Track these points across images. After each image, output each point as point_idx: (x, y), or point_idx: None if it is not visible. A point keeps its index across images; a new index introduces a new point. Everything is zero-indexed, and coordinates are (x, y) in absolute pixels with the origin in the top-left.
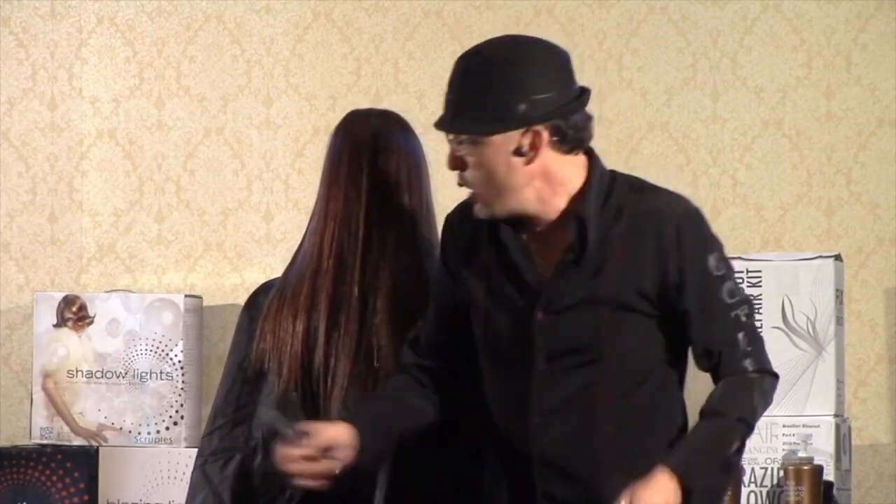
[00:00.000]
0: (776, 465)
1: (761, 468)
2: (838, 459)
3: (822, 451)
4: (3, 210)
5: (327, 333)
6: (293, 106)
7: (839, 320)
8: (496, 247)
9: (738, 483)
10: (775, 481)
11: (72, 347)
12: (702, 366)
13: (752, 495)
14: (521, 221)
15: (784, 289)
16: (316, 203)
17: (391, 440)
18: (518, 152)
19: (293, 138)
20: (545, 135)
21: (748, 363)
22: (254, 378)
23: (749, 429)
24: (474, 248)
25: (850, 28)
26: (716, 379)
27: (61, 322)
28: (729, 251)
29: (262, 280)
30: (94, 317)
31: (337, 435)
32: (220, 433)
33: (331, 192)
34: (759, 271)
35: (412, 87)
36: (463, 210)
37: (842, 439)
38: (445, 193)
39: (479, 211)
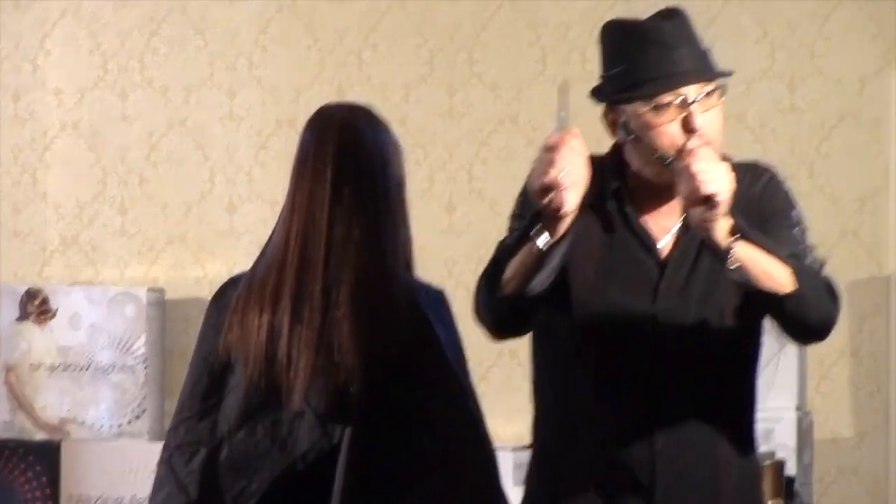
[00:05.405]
0: None
1: None
2: (800, 453)
3: (784, 445)
4: None
5: (290, 326)
6: (256, 98)
7: None
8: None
9: None
10: None
11: (34, 341)
12: None
13: None
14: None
15: None
16: (286, 197)
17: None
18: None
19: (256, 130)
20: None
21: None
22: (220, 370)
23: (796, 276)
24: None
25: (814, 20)
26: None
27: (24, 315)
28: None
29: (225, 272)
30: (56, 310)
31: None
32: (186, 426)
33: (298, 186)
34: None
35: (375, 80)
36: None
37: (803, 433)
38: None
39: None
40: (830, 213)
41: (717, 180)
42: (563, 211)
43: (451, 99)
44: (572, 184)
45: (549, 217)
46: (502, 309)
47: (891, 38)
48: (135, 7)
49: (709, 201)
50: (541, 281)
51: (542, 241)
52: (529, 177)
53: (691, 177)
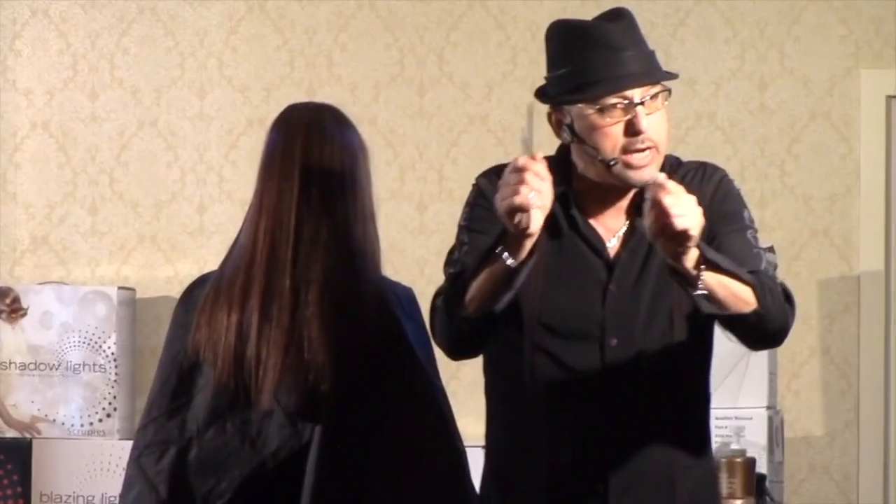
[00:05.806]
0: None
1: None
2: (771, 452)
3: (755, 443)
4: None
5: (259, 326)
6: (227, 98)
7: None
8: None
9: None
10: None
11: (5, 339)
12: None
13: None
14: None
15: None
16: (253, 196)
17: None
18: None
19: (227, 130)
20: None
21: None
22: (189, 370)
23: (757, 291)
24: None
25: (783, 20)
26: None
27: None
28: None
29: (196, 272)
30: (27, 308)
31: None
32: (155, 426)
33: (265, 185)
34: None
35: (345, 79)
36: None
37: (774, 431)
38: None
39: (649, 174)
40: (801, 213)
41: (689, 214)
42: (530, 231)
43: (422, 99)
44: (540, 205)
45: (517, 237)
46: (464, 328)
47: (860, 39)
48: (105, 7)
49: (681, 236)
50: (505, 299)
51: (511, 260)
52: (499, 197)
53: (663, 212)
